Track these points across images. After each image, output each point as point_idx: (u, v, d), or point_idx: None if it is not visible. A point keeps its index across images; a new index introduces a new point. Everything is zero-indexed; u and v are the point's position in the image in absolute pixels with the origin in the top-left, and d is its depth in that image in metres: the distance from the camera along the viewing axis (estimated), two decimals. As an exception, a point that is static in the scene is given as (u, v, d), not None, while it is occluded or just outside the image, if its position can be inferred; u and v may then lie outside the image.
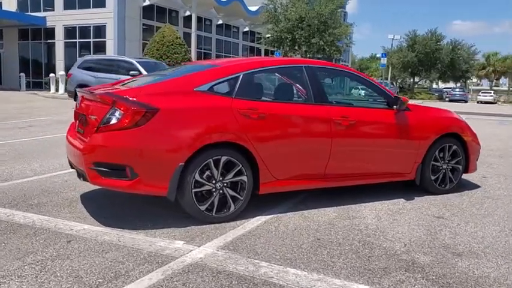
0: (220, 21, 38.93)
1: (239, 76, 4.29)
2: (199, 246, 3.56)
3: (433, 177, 5.35)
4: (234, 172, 4.12)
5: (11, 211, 4.32)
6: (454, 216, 4.59)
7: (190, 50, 27.03)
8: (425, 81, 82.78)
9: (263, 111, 4.24)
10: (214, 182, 4.06)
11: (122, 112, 3.79)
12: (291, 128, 4.41)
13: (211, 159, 4.00)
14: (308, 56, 32.76)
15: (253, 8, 39.02)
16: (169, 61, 23.59)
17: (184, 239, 3.72)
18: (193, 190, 3.96)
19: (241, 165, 4.13)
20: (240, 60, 4.82)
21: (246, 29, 42.89)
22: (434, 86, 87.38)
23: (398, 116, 5.02)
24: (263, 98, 4.48)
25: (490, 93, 54.46)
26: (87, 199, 4.82)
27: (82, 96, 4.35)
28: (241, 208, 4.23)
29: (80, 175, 4.15)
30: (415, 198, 5.22)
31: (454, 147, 5.45)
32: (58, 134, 9.66)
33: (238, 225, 4.08)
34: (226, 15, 38.23)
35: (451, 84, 73.72)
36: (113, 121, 3.83)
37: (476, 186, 5.94)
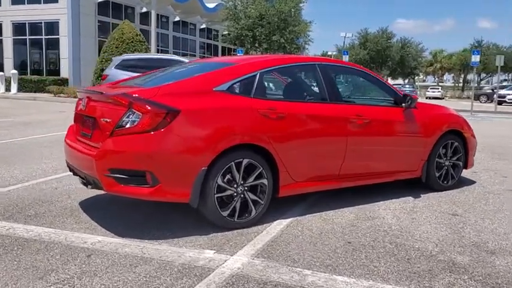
0: (177, 18, 38.23)
1: (256, 75, 4.11)
2: (232, 255, 3.35)
3: (437, 174, 5.37)
4: (255, 175, 3.94)
5: (9, 224, 3.94)
6: (467, 213, 4.61)
7: (150, 48, 26.32)
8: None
9: (282, 111, 4.08)
10: (235, 186, 3.86)
11: (141, 114, 3.52)
12: (309, 128, 4.28)
13: (233, 163, 3.80)
14: (269, 53, 32.71)
15: (210, 5, 38.60)
16: (129, 59, 22.88)
17: (212, 247, 3.50)
18: (215, 195, 3.75)
19: (262, 168, 3.95)
20: (255, 58, 4.63)
21: (203, 26, 42.35)
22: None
23: (406, 113, 4.99)
24: (281, 98, 4.31)
25: (438, 89, 56.72)
26: (88, 207, 4.49)
27: (88, 97, 4.02)
28: (262, 212, 4.05)
29: (89, 182, 3.83)
30: (421, 195, 5.21)
31: (456, 143, 5.50)
32: (28, 136, 9.09)
33: (261, 231, 3.90)
34: (183, 12, 37.58)
35: (400, 81, 75.98)
36: (131, 124, 3.55)
37: (472, 182, 6.03)
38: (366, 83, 5.15)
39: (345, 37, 73.81)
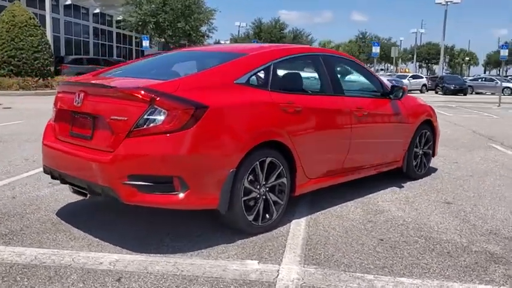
0: (68, 2, 35.38)
1: (270, 66, 3.80)
2: (279, 265, 3.06)
3: (414, 163, 5.51)
4: (275, 175, 3.66)
5: (-14, 247, 3.22)
6: (457, 200, 4.76)
7: (46, 33, 24.00)
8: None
9: (298, 105, 3.83)
10: (258, 187, 3.55)
11: (166, 111, 3.05)
12: (322, 122, 4.08)
13: (257, 162, 3.49)
14: (174, 40, 31.75)
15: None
16: (23, 44, 20.71)
17: (250, 257, 3.17)
18: (242, 198, 3.41)
19: (282, 167, 3.69)
20: (264, 47, 4.26)
21: (97, 10, 39.77)
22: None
23: (393, 105, 5.02)
24: (296, 91, 4.04)
25: None
26: (71, 218, 3.86)
27: (84, 92, 3.39)
28: (282, 213, 3.80)
29: (93, 192, 3.26)
30: (403, 185, 5.30)
31: (428, 133, 5.69)
32: None
33: (284, 233, 3.65)
34: (75, -7, 34.94)
35: None
36: (153, 123, 3.06)
37: (435, 169, 6.29)
38: (357, 74, 5.07)
39: (239, 26, 74.53)
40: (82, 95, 3.36)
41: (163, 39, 32.16)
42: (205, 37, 34.81)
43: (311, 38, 73.45)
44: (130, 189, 3.07)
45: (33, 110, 12.86)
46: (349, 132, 4.34)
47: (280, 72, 3.96)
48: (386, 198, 4.76)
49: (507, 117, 15.64)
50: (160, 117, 3.06)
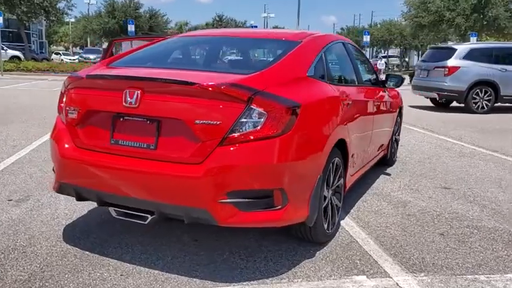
0: None
1: (322, 55, 3.42)
2: (390, 277, 2.80)
3: (393, 150, 5.62)
4: (338, 175, 3.35)
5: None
6: (451, 184, 4.96)
7: None
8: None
9: (350, 98, 3.55)
10: (328, 191, 3.21)
11: (266, 113, 2.53)
12: (361, 114, 3.84)
13: (331, 164, 3.14)
14: (30, 17, 27.99)
15: None
16: None
17: (349, 272, 2.84)
18: (322, 206, 3.05)
19: (341, 166, 3.39)
20: (298, 33, 3.75)
21: None
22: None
23: (386, 93, 5.01)
24: (341, 82, 3.72)
25: None
26: (103, 244, 3.06)
27: (138, 88, 2.62)
28: (340, 218, 3.51)
29: (161, 215, 2.60)
30: (389, 171, 5.38)
31: (399, 119, 5.84)
32: None
33: (346, 241, 3.37)
34: None
35: None
36: (251, 127, 2.52)
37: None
38: (358, 63, 4.90)
39: (89, 3, 69.03)
40: (138, 93, 2.61)
41: (15, 16, 28.15)
42: (64, 14, 31.46)
43: (167, 19, 71.75)
44: (230, 209, 2.50)
45: None
46: (371, 123, 4.21)
47: (328, 62, 3.60)
48: (392, 188, 4.75)
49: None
50: (259, 120, 2.53)
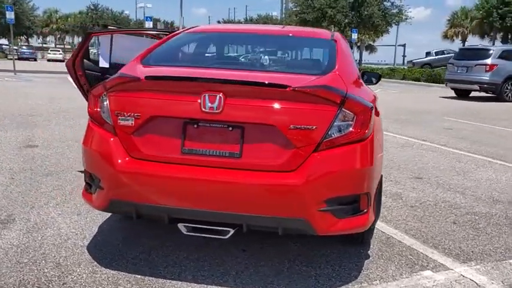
0: None
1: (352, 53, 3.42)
2: (451, 269, 2.92)
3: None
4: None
5: None
6: (422, 174, 5.32)
7: None
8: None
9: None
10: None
11: (354, 116, 2.46)
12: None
13: (379, 163, 3.17)
14: None
15: None
16: None
17: (411, 269, 2.91)
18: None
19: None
20: (317, 29, 3.63)
21: None
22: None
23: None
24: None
25: (59, 51, 55.78)
26: (148, 263, 2.72)
27: (223, 92, 2.34)
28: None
29: (250, 229, 2.40)
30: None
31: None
32: None
33: (382, 235, 3.45)
34: None
35: (3, 41, 68.07)
36: (342, 131, 2.43)
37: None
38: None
39: None
40: (220, 97, 2.35)
41: None
42: None
43: (33, 5, 65.87)
44: (329, 217, 2.39)
45: None
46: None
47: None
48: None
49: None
50: (350, 123, 2.45)
